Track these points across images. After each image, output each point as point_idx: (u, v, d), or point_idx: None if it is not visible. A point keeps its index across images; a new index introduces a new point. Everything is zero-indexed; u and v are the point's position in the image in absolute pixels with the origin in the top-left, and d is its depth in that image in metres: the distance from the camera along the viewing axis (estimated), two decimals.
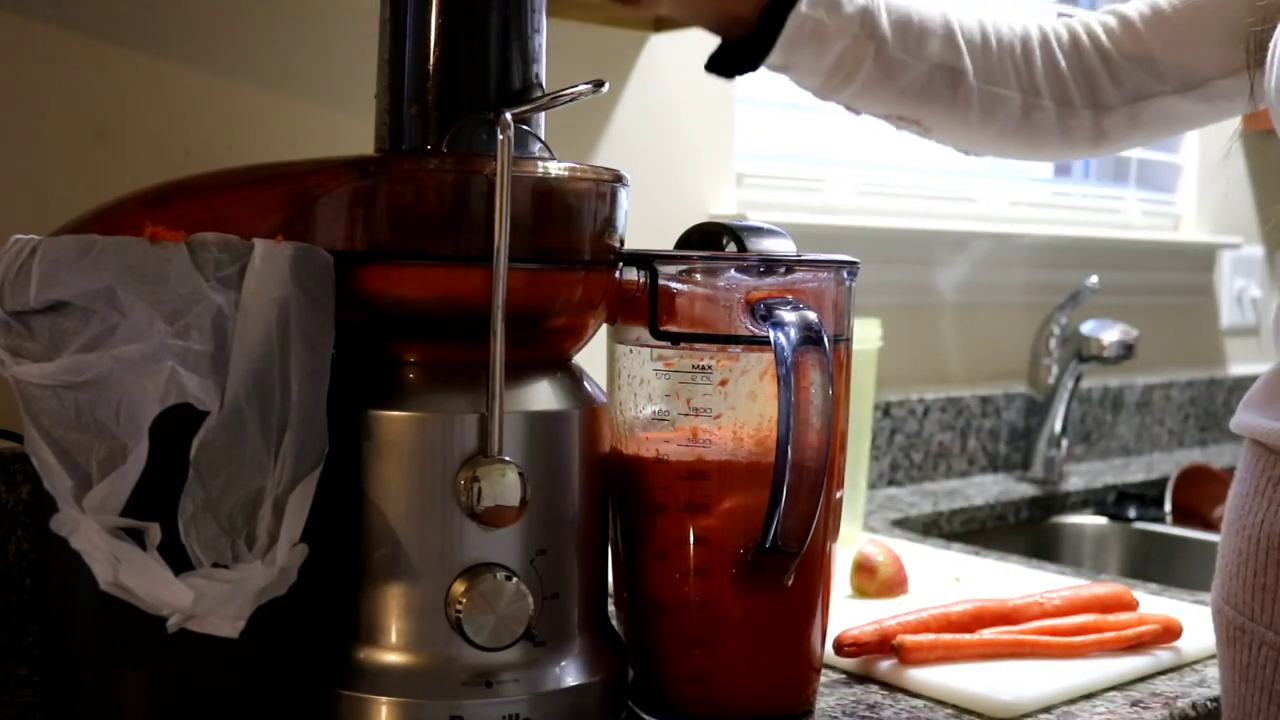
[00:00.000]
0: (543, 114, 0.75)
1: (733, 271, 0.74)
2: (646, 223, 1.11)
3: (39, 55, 0.99)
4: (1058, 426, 1.74)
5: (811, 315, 0.71)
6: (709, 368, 0.74)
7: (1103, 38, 1.02)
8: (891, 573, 1.07)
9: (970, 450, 1.76)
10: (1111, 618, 0.95)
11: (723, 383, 0.74)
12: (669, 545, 0.76)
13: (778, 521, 0.70)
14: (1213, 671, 0.91)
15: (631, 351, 0.77)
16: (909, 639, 0.88)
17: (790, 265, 0.74)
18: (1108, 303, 1.86)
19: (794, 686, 0.78)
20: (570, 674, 0.73)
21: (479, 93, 0.73)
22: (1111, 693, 0.87)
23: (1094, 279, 1.71)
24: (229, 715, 0.69)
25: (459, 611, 0.69)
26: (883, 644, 0.88)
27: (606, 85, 0.72)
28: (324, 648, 0.72)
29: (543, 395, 0.73)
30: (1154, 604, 1.04)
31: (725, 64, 0.99)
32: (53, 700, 0.70)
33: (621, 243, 0.76)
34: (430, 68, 0.74)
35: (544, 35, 0.76)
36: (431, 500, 0.70)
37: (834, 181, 1.64)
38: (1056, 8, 1.98)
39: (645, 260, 0.75)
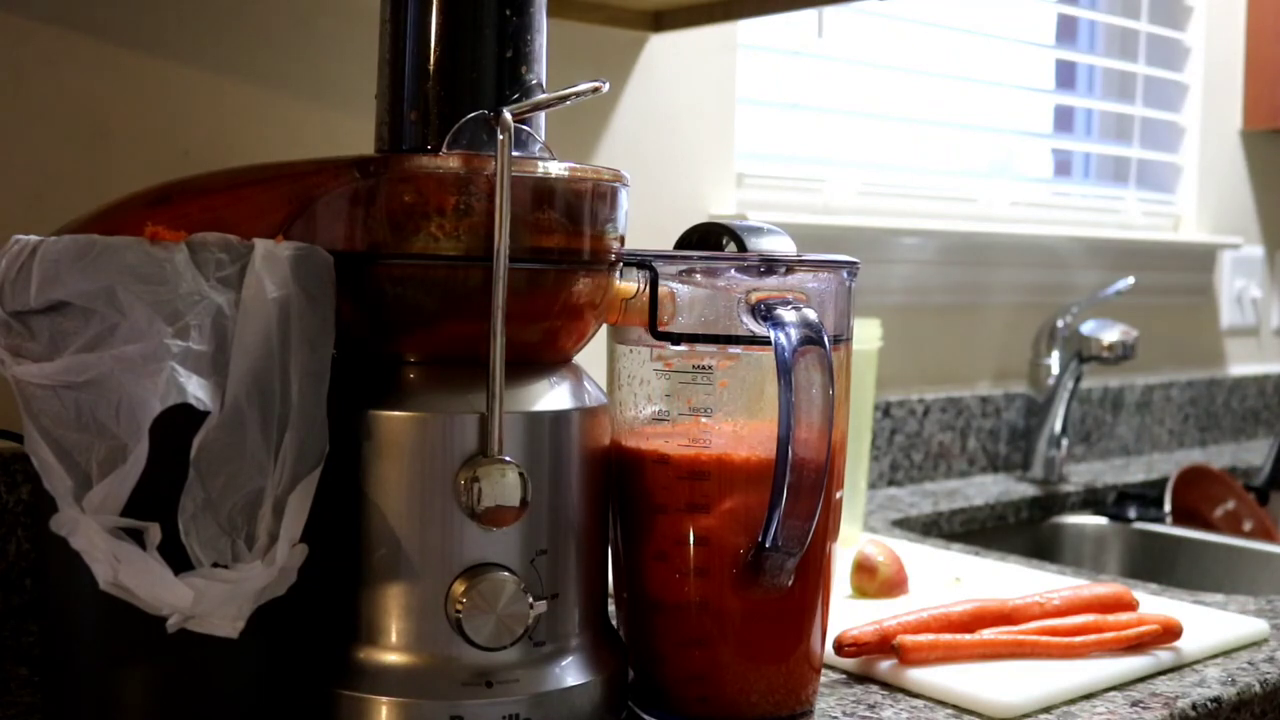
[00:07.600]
0: (543, 114, 0.75)
1: (733, 271, 0.74)
2: (646, 223, 1.11)
3: (39, 55, 0.99)
4: (1058, 426, 1.74)
5: (811, 315, 0.71)
6: (709, 368, 0.74)
7: None
8: (891, 573, 1.07)
9: (970, 450, 1.76)
10: (1111, 618, 0.95)
11: (723, 383, 0.74)
12: (669, 545, 0.76)
13: (778, 521, 0.70)
14: (1213, 671, 0.91)
15: (631, 351, 0.77)
16: (909, 639, 0.88)
17: (790, 265, 0.75)
18: (1108, 303, 1.86)
19: (794, 686, 0.78)
20: (570, 674, 0.73)
21: (479, 93, 0.73)
22: (1111, 693, 0.86)
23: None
24: (229, 715, 0.69)
25: (459, 611, 0.69)
26: (883, 644, 0.88)
27: (606, 85, 0.72)
28: (324, 648, 0.72)
29: (543, 395, 0.73)
30: (1154, 604, 1.04)
31: None
32: (53, 700, 0.69)
33: (621, 242, 0.76)
34: (430, 68, 0.74)
35: (544, 35, 0.76)
36: (431, 500, 0.70)
37: (834, 181, 1.64)
38: (1057, 8, 1.99)
39: (645, 260, 0.76)
